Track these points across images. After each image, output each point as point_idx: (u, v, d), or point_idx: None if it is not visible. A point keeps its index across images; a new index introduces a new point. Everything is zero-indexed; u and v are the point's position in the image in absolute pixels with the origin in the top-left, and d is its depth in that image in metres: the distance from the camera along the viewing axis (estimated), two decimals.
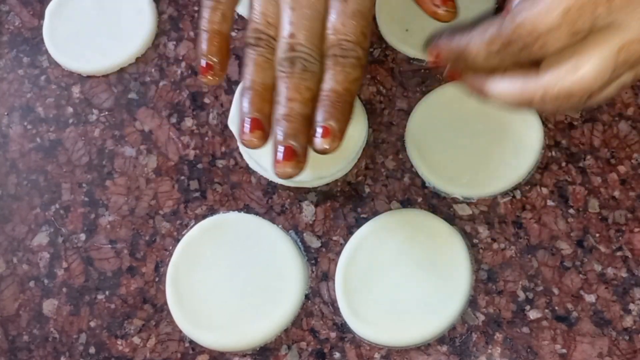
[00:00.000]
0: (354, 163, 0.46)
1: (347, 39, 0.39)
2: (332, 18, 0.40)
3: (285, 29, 0.39)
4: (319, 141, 0.38)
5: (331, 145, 0.38)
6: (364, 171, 0.46)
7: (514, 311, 0.41)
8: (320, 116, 0.38)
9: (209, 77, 0.41)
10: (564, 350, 0.39)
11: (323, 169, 0.44)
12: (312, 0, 0.40)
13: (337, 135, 0.38)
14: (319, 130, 0.38)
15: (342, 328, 0.42)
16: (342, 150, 0.45)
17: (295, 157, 0.38)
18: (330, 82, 0.40)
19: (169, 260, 0.44)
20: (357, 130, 0.45)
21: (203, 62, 0.41)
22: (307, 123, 0.39)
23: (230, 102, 0.49)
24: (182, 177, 0.47)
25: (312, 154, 0.42)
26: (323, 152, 0.38)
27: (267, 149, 0.40)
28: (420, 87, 0.47)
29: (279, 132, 0.38)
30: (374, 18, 0.49)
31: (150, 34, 0.52)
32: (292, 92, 0.39)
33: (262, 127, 0.39)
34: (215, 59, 0.41)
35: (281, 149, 0.38)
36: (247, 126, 0.39)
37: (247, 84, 0.40)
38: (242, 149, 0.47)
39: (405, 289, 0.41)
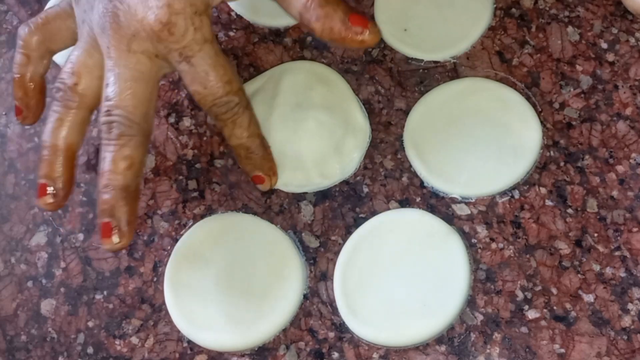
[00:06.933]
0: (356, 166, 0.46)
1: (220, 95, 0.39)
2: (188, 81, 0.39)
3: (105, 92, 0.38)
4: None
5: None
6: (363, 171, 0.45)
7: (512, 311, 0.41)
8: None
9: (21, 118, 0.44)
10: (563, 350, 0.39)
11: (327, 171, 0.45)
12: (136, 62, 0.38)
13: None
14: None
15: (341, 328, 0.42)
16: (346, 154, 0.45)
17: (114, 232, 0.37)
18: (235, 138, 0.41)
19: (167, 260, 0.44)
20: (360, 137, 0.45)
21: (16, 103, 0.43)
22: (129, 194, 0.37)
23: None
24: (181, 177, 0.47)
25: (312, 156, 0.42)
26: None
27: None
28: (419, 87, 0.47)
29: (98, 206, 0.37)
30: (372, 17, 0.49)
31: None
32: (109, 163, 0.37)
33: (47, 193, 0.39)
34: (24, 103, 0.43)
35: (100, 224, 0.37)
36: (37, 190, 0.39)
37: (42, 142, 0.40)
38: None
39: (403, 289, 0.41)
